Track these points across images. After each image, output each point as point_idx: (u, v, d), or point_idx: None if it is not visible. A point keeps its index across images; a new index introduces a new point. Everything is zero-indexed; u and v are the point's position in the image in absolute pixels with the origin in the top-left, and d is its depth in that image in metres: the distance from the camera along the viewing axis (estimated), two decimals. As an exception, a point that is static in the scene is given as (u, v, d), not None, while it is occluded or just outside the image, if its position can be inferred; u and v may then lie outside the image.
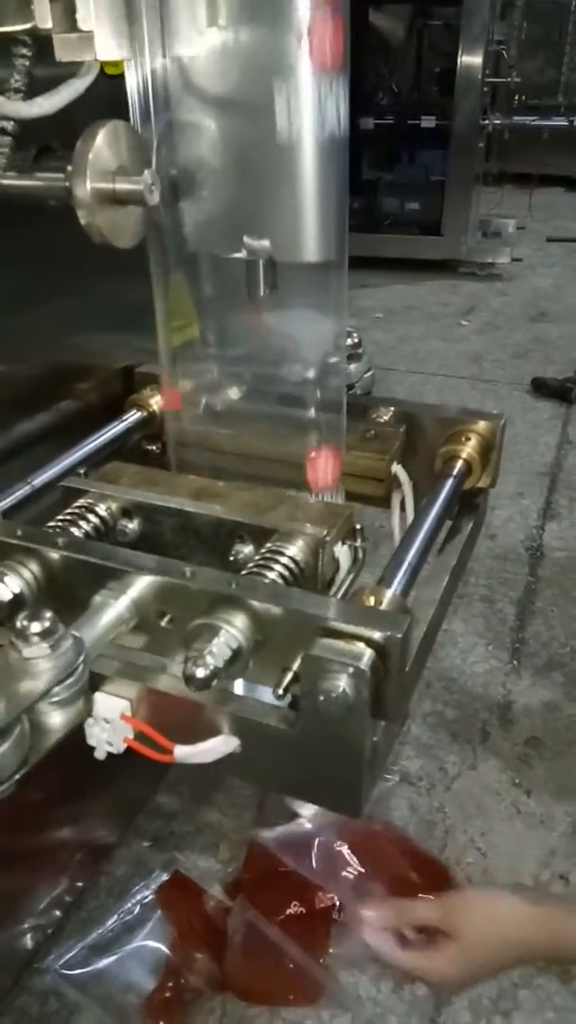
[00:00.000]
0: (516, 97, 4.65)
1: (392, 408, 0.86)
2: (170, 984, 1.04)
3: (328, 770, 0.57)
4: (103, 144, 0.61)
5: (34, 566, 0.64)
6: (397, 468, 0.81)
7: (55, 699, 0.54)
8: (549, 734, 1.49)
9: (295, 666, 0.56)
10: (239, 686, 0.94)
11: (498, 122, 4.23)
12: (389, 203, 4.39)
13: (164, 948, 1.08)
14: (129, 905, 1.13)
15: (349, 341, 0.87)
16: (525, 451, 2.50)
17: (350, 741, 0.54)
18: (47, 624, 0.52)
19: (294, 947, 1.04)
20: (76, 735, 0.60)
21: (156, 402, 0.92)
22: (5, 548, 0.64)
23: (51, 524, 0.71)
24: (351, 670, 0.52)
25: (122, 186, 0.63)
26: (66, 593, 0.63)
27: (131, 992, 1.05)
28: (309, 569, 0.66)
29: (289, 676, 0.56)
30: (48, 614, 0.52)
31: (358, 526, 0.72)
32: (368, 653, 0.52)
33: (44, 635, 0.51)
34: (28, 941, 1.08)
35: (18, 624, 0.52)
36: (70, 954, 1.07)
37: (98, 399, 0.98)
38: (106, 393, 0.98)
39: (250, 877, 1.15)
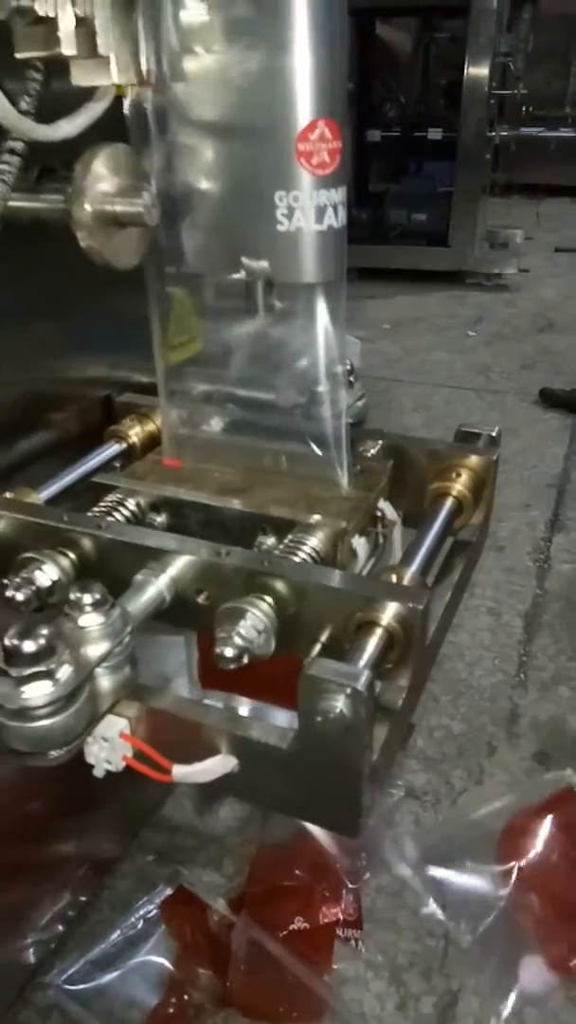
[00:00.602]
0: (523, 108, 4.67)
1: (380, 441, 0.85)
2: (173, 1000, 1.03)
3: (327, 790, 0.57)
4: (102, 166, 0.62)
5: (79, 548, 0.70)
6: (384, 505, 0.80)
7: (106, 664, 0.58)
8: (556, 748, 1.48)
9: (323, 638, 0.62)
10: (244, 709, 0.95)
11: (505, 133, 4.24)
12: (396, 214, 4.41)
13: (167, 963, 1.07)
14: (133, 920, 1.13)
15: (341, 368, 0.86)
16: (533, 462, 2.49)
17: (348, 761, 0.55)
18: (98, 596, 0.57)
19: (297, 963, 1.04)
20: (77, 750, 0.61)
21: (136, 433, 0.91)
22: (52, 531, 0.70)
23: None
24: (348, 691, 0.52)
25: (121, 208, 0.63)
26: (107, 574, 0.68)
27: (134, 1007, 1.04)
28: (328, 559, 0.70)
29: (317, 648, 0.62)
30: (98, 586, 0.57)
31: (379, 513, 0.77)
32: (366, 673, 0.53)
33: (96, 605, 0.56)
34: (31, 955, 1.08)
35: (72, 596, 0.57)
36: (73, 969, 1.06)
37: (76, 429, 0.95)
38: (85, 423, 0.95)
39: (254, 891, 1.15)
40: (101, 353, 0.98)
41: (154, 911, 1.14)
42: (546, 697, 1.60)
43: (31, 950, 1.09)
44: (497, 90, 4.04)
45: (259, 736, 0.57)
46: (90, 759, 0.61)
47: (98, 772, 0.62)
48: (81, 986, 1.05)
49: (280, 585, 0.62)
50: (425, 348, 3.51)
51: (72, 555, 0.70)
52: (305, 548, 0.69)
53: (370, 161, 4.67)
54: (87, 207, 0.62)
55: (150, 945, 1.10)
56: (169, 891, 1.17)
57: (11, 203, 0.69)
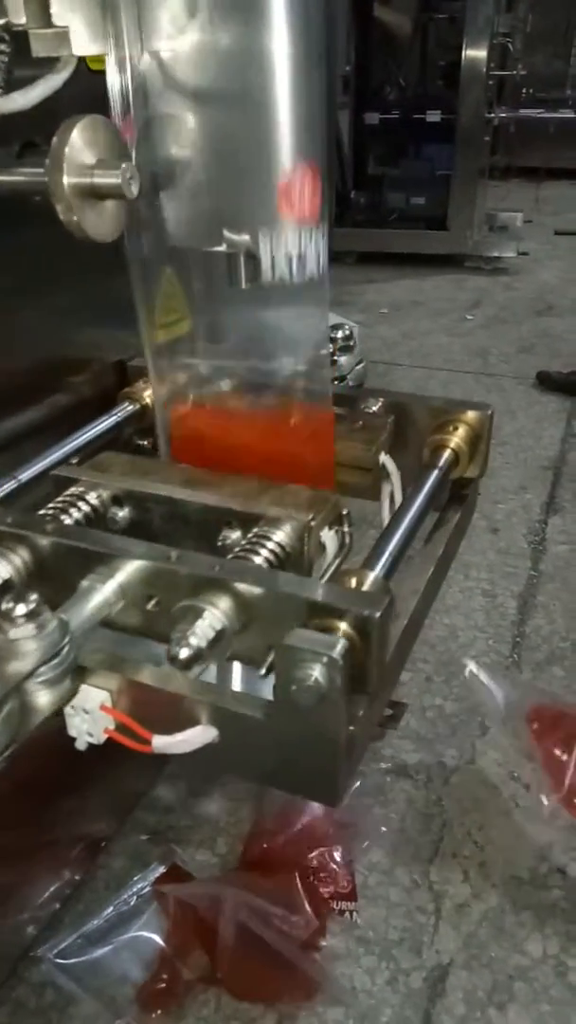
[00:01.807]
0: (523, 90, 4.63)
1: (381, 399, 0.86)
2: (164, 976, 1.04)
3: (305, 759, 0.58)
4: (79, 138, 0.62)
5: (24, 552, 0.66)
6: (385, 458, 0.81)
7: (41, 679, 0.55)
8: (549, 728, 1.48)
9: None
10: (236, 677, 0.95)
11: (504, 115, 4.21)
12: (395, 198, 4.39)
13: (159, 940, 1.08)
14: (125, 896, 1.14)
15: (341, 333, 0.87)
16: (529, 445, 2.49)
17: (325, 730, 0.55)
18: (32, 606, 0.53)
19: (286, 943, 1.04)
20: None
21: (148, 395, 0.93)
22: None
23: (42, 512, 0.72)
24: (324, 659, 0.52)
25: (100, 180, 0.63)
26: (56, 578, 0.65)
27: (126, 983, 1.05)
28: (295, 554, 0.68)
29: (273, 656, 0.57)
30: (33, 596, 0.54)
31: (345, 512, 0.74)
32: (341, 642, 0.53)
33: (29, 616, 0.53)
34: (25, 933, 1.09)
35: (3, 606, 0.53)
36: (65, 943, 1.07)
37: (91, 392, 0.98)
38: (99, 386, 0.98)
39: (246, 869, 1.16)
40: (114, 320, 0.99)
41: (147, 888, 1.15)
42: (539, 677, 1.60)
43: (26, 928, 1.10)
44: (496, 71, 4.01)
45: (238, 706, 0.57)
46: (72, 731, 0.61)
47: (80, 744, 0.62)
48: (73, 960, 1.06)
49: (232, 591, 0.59)
50: (423, 332, 3.50)
51: (24, 556, 0.67)
52: (270, 543, 0.66)
53: (368, 144, 4.63)
54: (64, 179, 0.62)
55: (142, 921, 1.10)
56: (163, 869, 1.18)
57: (-8, 178, 0.69)
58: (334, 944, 1.12)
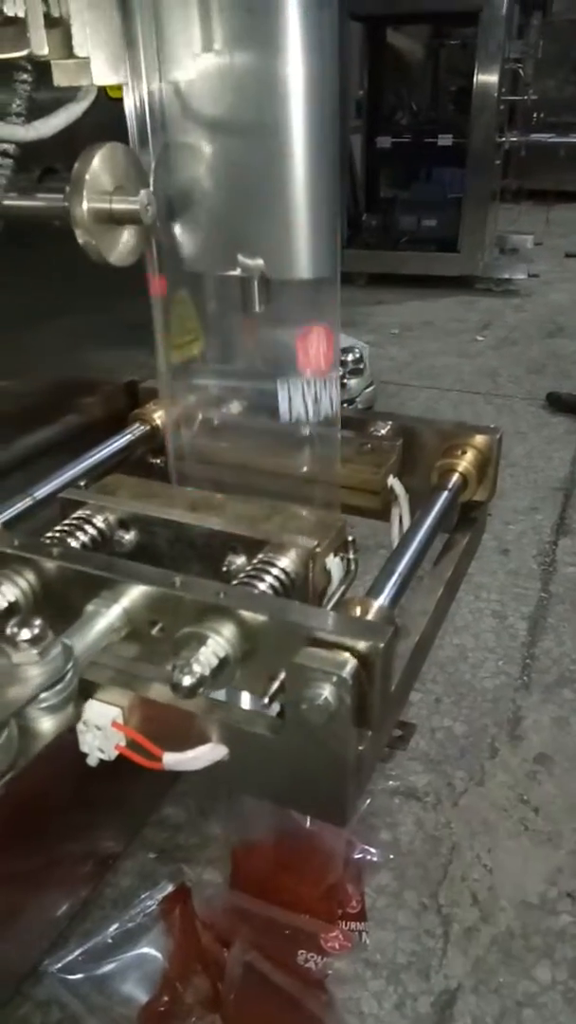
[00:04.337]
0: (534, 115, 4.68)
1: (390, 422, 0.87)
2: (166, 998, 1.04)
3: (314, 778, 0.58)
4: (100, 165, 0.63)
5: (30, 576, 0.66)
6: (393, 481, 0.81)
7: (44, 705, 0.55)
8: (558, 751, 1.48)
9: (282, 675, 0.56)
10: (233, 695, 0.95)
11: (515, 139, 4.26)
12: (406, 221, 4.44)
13: (164, 959, 1.08)
14: (132, 914, 1.14)
15: (351, 356, 0.88)
16: (540, 466, 2.49)
17: (334, 749, 0.55)
18: (36, 631, 0.53)
19: (291, 981, 1.03)
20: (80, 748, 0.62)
21: (159, 416, 0.94)
22: (2, 558, 0.66)
23: (49, 535, 0.72)
24: (334, 679, 0.52)
25: (119, 206, 0.64)
26: (61, 602, 0.64)
27: (130, 1000, 1.05)
28: (300, 580, 0.67)
29: (276, 685, 0.57)
30: (38, 621, 0.53)
31: (350, 538, 0.73)
32: (351, 662, 0.53)
33: (33, 642, 0.53)
34: (32, 951, 1.09)
35: (8, 631, 0.53)
36: (70, 958, 1.07)
37: (103, 413, 1.00)
38: (111, 407, 1.00)
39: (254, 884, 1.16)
40: (126, 342, 1.01)
41: (154, 907, 1.15)
42: (549, 699, 1.59)
43: (33, 945, 1.09)
44: (507, 96, 4.06)
45: (248, 724, 0.58)
46: (84, 748, 0.62)
47: (91, 761, 0.62)
48: (79, 975, 1.05)
49: (236, 619, 0.58)
50: (433, 353, 3.52)
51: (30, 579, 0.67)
52: (275, 570, 0.66)
53: (380, 167, 4.69)
54: (84, 205, 0.63)
55: (148, 939, 1.10)
56: (170, 888, 1.18)
57: (15, 203, 0.70)
58: (341, 967, 1.11)
